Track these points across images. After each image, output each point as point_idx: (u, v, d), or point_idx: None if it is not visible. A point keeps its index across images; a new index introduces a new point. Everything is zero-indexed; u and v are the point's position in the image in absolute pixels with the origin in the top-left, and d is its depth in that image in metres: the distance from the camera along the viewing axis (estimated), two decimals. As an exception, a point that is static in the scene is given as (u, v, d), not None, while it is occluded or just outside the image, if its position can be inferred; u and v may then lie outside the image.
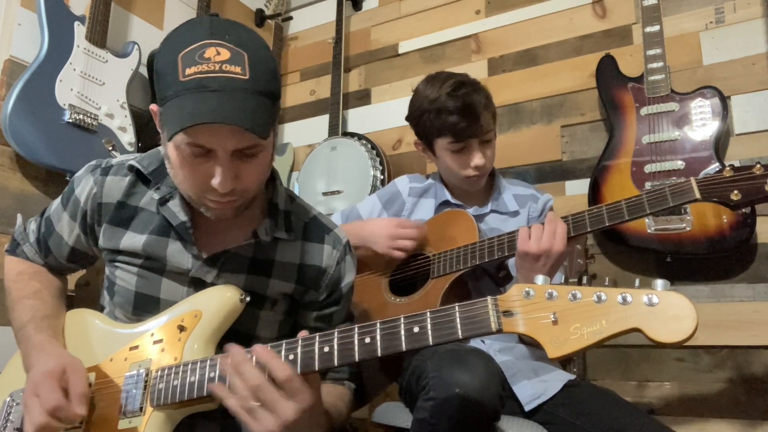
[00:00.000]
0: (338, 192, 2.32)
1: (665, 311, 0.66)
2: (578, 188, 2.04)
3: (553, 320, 0.71)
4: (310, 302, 1.15)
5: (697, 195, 1.17)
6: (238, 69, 0.88)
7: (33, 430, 0.92)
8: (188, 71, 0.87)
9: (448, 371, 1.09)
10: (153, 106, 1.00)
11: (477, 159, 1.48)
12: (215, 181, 0.92)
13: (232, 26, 0.93)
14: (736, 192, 1.14)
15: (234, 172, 0.93)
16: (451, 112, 1.44)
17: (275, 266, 1.10)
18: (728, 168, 1.16)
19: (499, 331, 0.74)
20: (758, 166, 1.13)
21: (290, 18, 2.90)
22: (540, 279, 0.74)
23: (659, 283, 0.68)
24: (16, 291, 1.16)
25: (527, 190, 1.62)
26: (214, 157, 0.92)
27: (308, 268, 1.12)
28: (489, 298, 0.77)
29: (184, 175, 0.95)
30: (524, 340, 1.45)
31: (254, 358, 0.85)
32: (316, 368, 0.85)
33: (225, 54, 0.88)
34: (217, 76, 0.87)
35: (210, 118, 0.85)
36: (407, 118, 1.60)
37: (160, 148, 1.14)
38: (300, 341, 0.88)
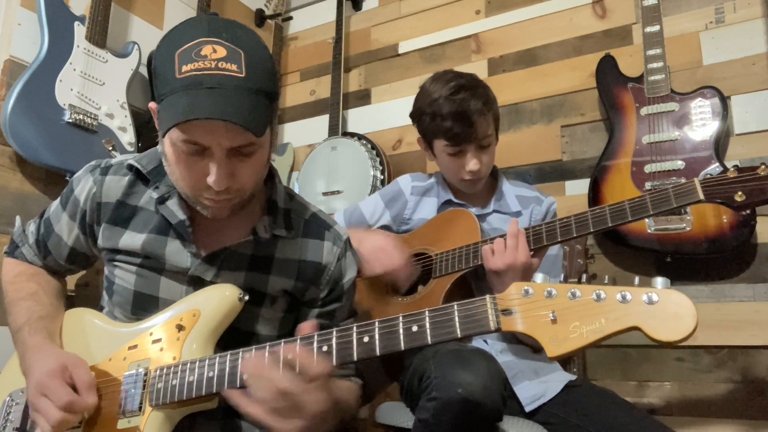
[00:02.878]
0: (338, 192, 2.32)
1: (665, 309, 0.66)
2: (578, 188, 2.04)
3: (552, 319, 0.71)
4: (311, 299, 1.14)
5: (701, 196, 1.16)
6: (234, 67, 0.88)
7: (49, 429, 0.92)
8: (184, 68, 0.87)
9: (451, 372, 1.09)
10: (152, 104, 1.00)
11: (472, 164, 1.46)
12: (210, 179, 0.92)
13: (229, 25, 0.93)
14: (740, 193, 1.13)
15: (229, 170, 0.93)
16: (445, 118, 1.43)
17: (275, 263, 1.10)
18: (732, 169, 1.15)
19: (498, 329, 0.74)
20: (763, 166, 1.12)
21: (290, 18, 2.90)
22: (539, 277, 0.74)
23: (659, 281, 0.68)
24: (13, 293, 1.16)
25: (531, 192, 1.62)
26: (209, 155, 0.92)
27: (308, 264, 1.12)
28: (488, 297, 0.76)
29: (180, 173, 0.95)
30: (520, 339, 1.44)
31: (282, 358, 0.83)
32: (315, 368, 0.85)
33: (221, 52, 0.89)
34: (212, 73, 0.87)
35: (203, 113, 0.85)
36: (411, 115, 1.59)
37: (158, 146, 1.14)
38: (298, 340, 0.88)
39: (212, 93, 0.87)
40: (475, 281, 1.48)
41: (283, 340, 0.89)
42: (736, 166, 1.16)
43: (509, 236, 1.30)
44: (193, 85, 0.87)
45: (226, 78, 0.88)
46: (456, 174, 1.51)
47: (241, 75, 0.89)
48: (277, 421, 0.81)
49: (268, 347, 0.90)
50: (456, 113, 1.42)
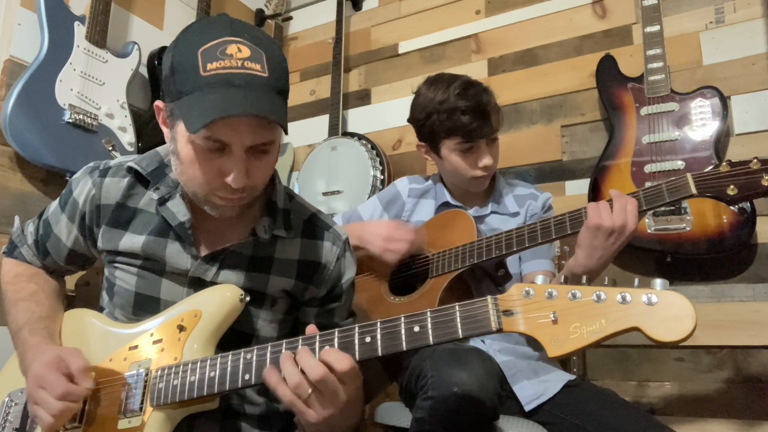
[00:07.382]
0: (338, 192, 2.32)
1: (664, 310, 0.67)
2: (578, 188, 2.04)
3: (552, 319, 0.71)
4: (311, 299, 1.14)
5: (693, 190, 1.17)
6: (258, 66, 0.90)
7: (50, 419, 0.92)
8: (210, 66, 0.88)
9: (447, 370, 1.09)
10: (159, 103, 0.99)
11: (486, 159, 1.48)
12: (230, 177, 0.93)
13: (248, 26, 0.95)
14: (732, 187, 1.14)
15: (247, 168, 0.94)
16: (464, 112, 1.44)
17: (275, 263, 1.10)
18: (725, 163, 1.16)
19: (499, 330, 0.74)
20: (755, 160, 1.13)
21: (290, 18, 2.90)
22: (540, 279, 0.74)
23: (658, 282, 0.69)
24: (13, 293, 1.16)
25: (527, 190, 1.62)
26: (228, 153, 0.92)
27: (308, 264, 1.12)
28: (489, 298, 0.77)
29: (194, 171, 0.95)
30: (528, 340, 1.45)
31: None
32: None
33: (246, 51, 0.90)
34: (240, 72, 0.88)
35: (239, 110, 0.87)
36: (410, 121, 1.59)
37: (159, 148, 1.14)
38: (300, 341, 0.88)
39: (242, 91, 0.88)
40: (472, 281, 1.48)
41: (284, 340, 0.89)
42: (729, 160, 1.16)
43: (616, 197, 1.20)
44: (222, 82, 0.87)
45: (253, 77, 0.89)
46: (468, 172, 1.51)
47: (264, 75, 0.90)
48: (304, 407, 0.83)
49: (281, 345, 0.90)
50: (474, 108, 1.44)
